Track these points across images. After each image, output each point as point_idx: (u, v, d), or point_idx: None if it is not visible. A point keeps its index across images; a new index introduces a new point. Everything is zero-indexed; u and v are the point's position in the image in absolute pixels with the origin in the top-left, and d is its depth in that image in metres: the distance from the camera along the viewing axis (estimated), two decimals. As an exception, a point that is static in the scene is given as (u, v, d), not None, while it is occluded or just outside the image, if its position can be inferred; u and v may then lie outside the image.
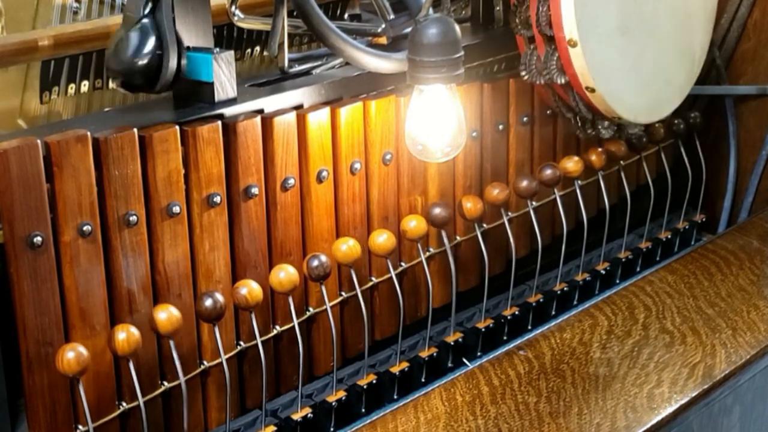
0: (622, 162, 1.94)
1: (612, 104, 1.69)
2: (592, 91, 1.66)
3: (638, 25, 1.71)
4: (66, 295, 1.29)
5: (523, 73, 1.70)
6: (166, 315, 1.33)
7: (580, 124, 1.78)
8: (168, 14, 1.36)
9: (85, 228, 1.28)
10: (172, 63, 1.37)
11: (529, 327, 1.78)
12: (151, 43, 1.35)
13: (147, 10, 1.35)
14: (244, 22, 1.58)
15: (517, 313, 1.76)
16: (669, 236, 2.04)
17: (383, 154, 1.60)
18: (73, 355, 1.25)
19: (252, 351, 1.49)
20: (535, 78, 1.69)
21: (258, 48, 1.83)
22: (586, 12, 1.62)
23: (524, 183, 1.74)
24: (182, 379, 1.36)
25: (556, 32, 1.63)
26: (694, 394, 1.47)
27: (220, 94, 1.43)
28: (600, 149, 1.88)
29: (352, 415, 1.54)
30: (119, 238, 1.32)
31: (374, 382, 1.56)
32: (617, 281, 1.92)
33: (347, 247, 1.52)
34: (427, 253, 1.68)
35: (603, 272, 1.90)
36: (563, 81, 1.67)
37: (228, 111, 1.43)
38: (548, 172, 1.77)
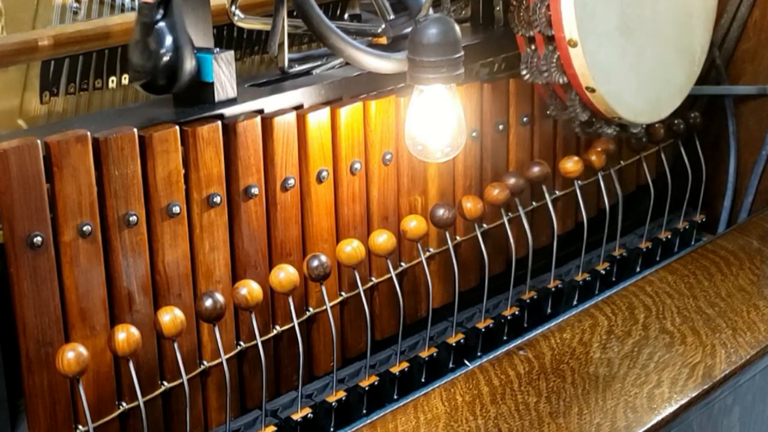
0: (622, 162, 1.93)
1: (612, 104, 1.69)
2: (593, 91, 1.66)
3: (638, 25, 1.71)
4: (66, 295, 1.29)
5: (524, 73, 1.70)
6: (170, 317, 1.33)
7: (577, 124, 1.77)
8: (179, 16, 1.37)
9: (85, 228, 1.28)
10: (189, 64, 1.37)
11: (528, 326, 1.78)
12: (170, 44, 1.36)
13: (160, 15, 1.36)
14: (244, 22, 1.58)
15: (516, 313, 1.76)
16: (669, 236, 2.04)
17: (383, 154, 1.60)
18: (73, 355, 1.25)
19: (252, 351, 1.49)
20: (535, 78, 1.69)
21: (258, 48, 1.83)
22: (586, 12, 1.62)
23: (511, 180, 1.73)
24: (185, 378, 1.36)
25: (556, 32, 1.63)
26: (694, 394, 1.47)
27: (220, 94, 1.43)
28: (600, 149, 1.88)
29: (352, 415, 1.54)
30: (119, 238, 1.32)
31: (375, 383, 1.56)
32: (617, 281, 1.92)
33: (351, 248, 1.52)
34: (427, 253, 1.68)
35: (603, 272, 1.90)
36: (563, 81, 1.67)
37: (228, 111, 1.43)
38: (536, 169, 1.76)
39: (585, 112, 1.71)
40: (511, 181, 1.73)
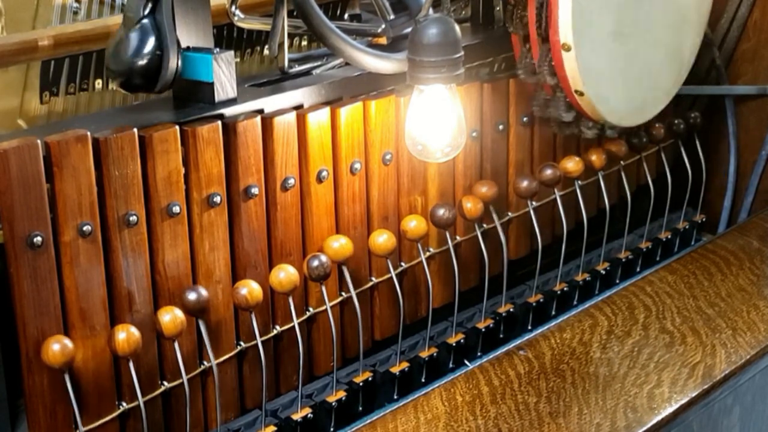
0: (622, 162, 1.94)
1: (599, 108, 1.69)
2: (581, 94, 1.66)
3: (632, 29, 1.71)
4: (66, 295, 1.29)
5: (520, 72, 1.70)
6: (170, 317, 1.33)
7: (560, 126, 1.78)
8: (168, 14, 1.37)
9: (85, 228, 1.28)
10: (173, 63, 1.37)
11: (529, 327, 1.78)
12: (151, 43, 1.35)
13: (147, 11, 1.35)
14: (244, 22, 1.58)
15: (513, 311, 1.76)
16: (669, 236, 2.04)
17: (383, 154, 1.60)
18: (58, 347, 1.25)
19: (252, 351, 1.49)
20: (528, 77, 1.69)
21: (258, 48, 1.83)
22: (584, 18, 1.61)
23: (524, 183, 1.73)
24: (185, 378, 1.36)
25: (552, 35, 1.63)
26: (694, 394, 1.47)
27: (220, 94, 1.43)
28: (600, 149, 1.88)
29: (352, 415, 1.54)
30: (119, 238, 1.32)
31: (370, 379, 1.56)
32: (617, 281, 1.92)
33: (339, 244, 1.52)
34: (427, 253, 1.68)
35: (603, 272, 1.90)
36: (554, 83, 1.67)
37: (228, 111, 1.43)
38: (548, 172, 1.77)
39: (569, 113, 1.71)
40: (524, 184, 1.73)
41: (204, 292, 1.37)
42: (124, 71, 1.36)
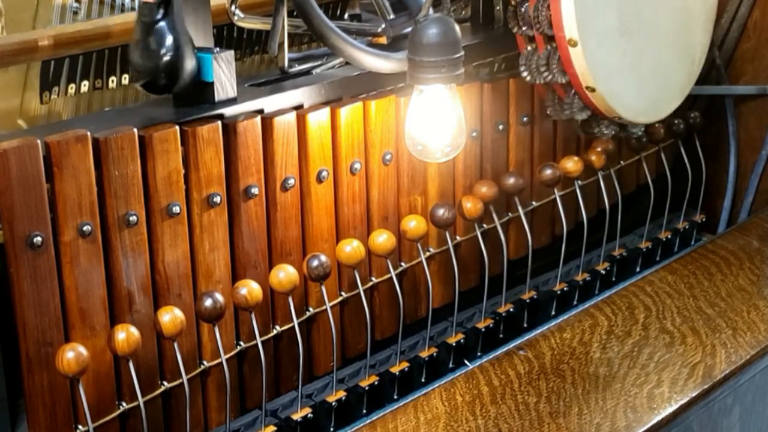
0: (622, 162, 1.93)
1: (612, 104, 1.69)
2: (593, 90, 1.66)
3: (638, 25, 1.71)
4: (66, 295, 1.29)
5: (524, 73, 1.69)
6: (170, 317, 1.33)
7: (577, 124, 1.78)
8: (179, 16, 1.37)
9: (85, 228, 1.28)
10: (189, 64, 1.38)
11: (526, 326, 1.78)
12: (171, 44, 1.36)
13: (161, 15, 1.36)
14: (244, 22, 1.58)
15: (512, 310, 1.76)
16: (669, 236, 2.04)
17: (383, 154, 1.60)
18: (72, 355, 1.25)
19: (252, 351, 1.49)
20: (535, 78, 1.69)
21: (258, 48, 1.83)
22: (587, 12, 1.61)
23: (511, 180, 1.73)
24: (185, 378, 1.36)
25: (556, 32, 1.63)
26: (694, 394, 1.47)
27: (220, 94, 1.43)
28: (600, 149, 1.88)
29: (352, 415, 1.54)
30: (119, 238, 1.32)
31: (375, 383, 1.56)
32: (617, 281, 1.92)
33: (351, 248, 1.52)
34: (427, 253, 1.68)
35: (603, 272, 1.90)
36: (564, 81, 1.67)
37: (228, 111, 1.43)
38: (548, 172, 1.77)
39: (583, 111, 1.71)
40: (518, 181, 1.73)
41: (221, 297, 1.37)
42: (153, 72, 1.36)
